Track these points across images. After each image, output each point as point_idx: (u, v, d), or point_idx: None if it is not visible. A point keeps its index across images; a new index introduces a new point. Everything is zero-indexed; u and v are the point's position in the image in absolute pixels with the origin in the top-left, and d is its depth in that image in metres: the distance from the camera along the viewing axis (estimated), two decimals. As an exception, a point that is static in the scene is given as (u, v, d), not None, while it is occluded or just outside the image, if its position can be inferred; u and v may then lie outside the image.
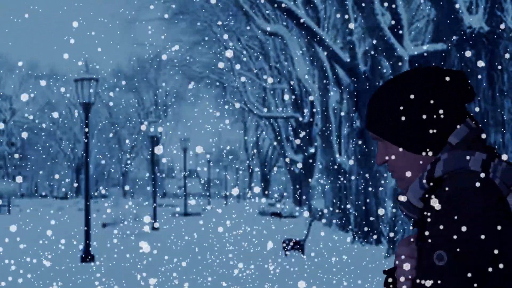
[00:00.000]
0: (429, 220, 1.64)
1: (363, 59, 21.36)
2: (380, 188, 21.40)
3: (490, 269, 1.57)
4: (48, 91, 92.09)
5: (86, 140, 18.28)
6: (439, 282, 1.57)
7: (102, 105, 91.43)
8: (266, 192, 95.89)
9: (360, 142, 21.66)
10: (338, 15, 21.99)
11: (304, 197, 43.64)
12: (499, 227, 1.58)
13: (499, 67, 10.09)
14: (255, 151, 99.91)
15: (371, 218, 21.47)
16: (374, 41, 16.24)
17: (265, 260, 17.40)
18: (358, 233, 21.91)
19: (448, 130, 1.74)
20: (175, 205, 65.00)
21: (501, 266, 1.58)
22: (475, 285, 1.56)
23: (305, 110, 41.63)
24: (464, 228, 1.57)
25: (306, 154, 42.09)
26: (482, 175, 1.64)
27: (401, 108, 1.75)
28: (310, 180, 41.84)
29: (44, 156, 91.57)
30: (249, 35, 44.30)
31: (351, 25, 21.26)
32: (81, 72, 19.10)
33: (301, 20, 19.41)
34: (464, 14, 10.45)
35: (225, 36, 39.55)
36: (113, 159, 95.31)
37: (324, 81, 27.76)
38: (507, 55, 10.06)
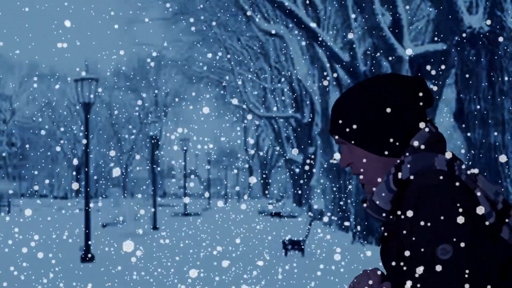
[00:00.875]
0: (408, 221, 1.66)
1: (363, 59, 21.36)
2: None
3: (470, 259, 1.61)
4: (48, 91, 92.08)
5: (86, 141, 18.27)
6: (449, 275, 1.60)
7: (102, 105, 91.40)
8: (267, 192, 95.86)
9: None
10: (337, 17, 22.00)
11: (304, 197, 43.64)
12: (471, 219, 1.63)
13: (499, 67, 10.09)
14: (255, 151, 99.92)
15: (371, 218, 21.48)
16: (375, 41, 16.24)
17: (265, 260, 17.39)
18: (358, 233, 21.91)
19: (409, 133, 1.79)
20: (175, 205, 64.98)
21: (477, 256, 1.62)
22: (480, 271, 1.61)
23: (305, 110, 41.62)
24: (448, 219, 1.61)
25: (306, 154, 42.09)
26: (449, 172, 1.69)
27: (365, 112, 1.79)
28: (310, 180, 41.84)
29: (44, 156, 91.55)
30: (249, 35, 44.29)
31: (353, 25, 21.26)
32: (81, 72, 19.10)
33: (301, 20, 19.41)
34: (464, 14, 10.44)
35: (225, 37, 39.56)
36: (113, 159, 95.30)
37: (324, 81, 27.77)
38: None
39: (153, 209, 31.62)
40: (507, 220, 1.72)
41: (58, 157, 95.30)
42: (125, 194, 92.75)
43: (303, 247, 19.03)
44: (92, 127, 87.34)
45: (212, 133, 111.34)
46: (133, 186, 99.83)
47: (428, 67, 16.32)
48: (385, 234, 1.79)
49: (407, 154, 1.78)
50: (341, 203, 27.97)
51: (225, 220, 40.50)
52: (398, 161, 1.78)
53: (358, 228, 21.87)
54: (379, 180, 1.82)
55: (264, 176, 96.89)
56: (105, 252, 19.88)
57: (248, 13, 24.30)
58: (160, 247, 21.38)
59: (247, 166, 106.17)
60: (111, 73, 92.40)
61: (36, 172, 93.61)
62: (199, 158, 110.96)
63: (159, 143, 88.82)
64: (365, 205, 1.83)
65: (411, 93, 1.81)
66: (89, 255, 17.75)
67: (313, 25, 19.81)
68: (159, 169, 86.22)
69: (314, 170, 40.69)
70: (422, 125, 1.79)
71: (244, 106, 45.12)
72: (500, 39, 10.12)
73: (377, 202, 1.77)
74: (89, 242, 17.96)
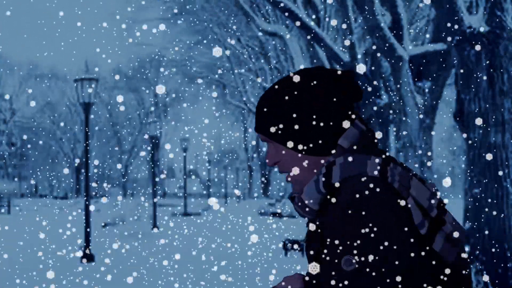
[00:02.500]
0: (330, 226, 1.63)
1: (363, 59, 21.37)
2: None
3: (397, 271, 1.56)
4: (48, 91, 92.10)
5: (86, 141, 18.27)
6: (348, 287, 1.56)
7: (102, 105, 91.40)
8: (267, 192, 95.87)
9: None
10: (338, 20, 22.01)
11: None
12: (402, 230, 1.58)
13: (499, 67, 10.10)
14: (255, 151, 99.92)
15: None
16: (375, 41, 16.24)
17: (265, 260, 17.39)
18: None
19: (337, 131, 1.73)
20: (175, 205, 65.00)
21: (406, 268, 1.57)
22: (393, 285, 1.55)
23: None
24: (368, 233, 1.56)
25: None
26: (381, 180, 1.64)
27: (288, 109, 1.73)
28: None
29: (44, 156, 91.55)
30: (249, 35, 44.30)
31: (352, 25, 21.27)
32: (81, 72, 19.11)
33: (301, 20, 19.41)
34: (464, 14, 10.45)
35: (227, 37, 39.55)
36: (113, 159, 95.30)
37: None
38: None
39: (153, 209, 31.61)
40: (441, 228, 1.67)
41: (58, 157, 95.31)
42: (125, 194, 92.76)
43: (303, 247, 19.03)
44: (92, 127, 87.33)
45: (212, 133, 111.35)
46: (133, 186, 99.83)
47: (428, 67, 16.34)
48: (309, 231, 1.75)
49: (335, 153, 1.72)
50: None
51: (225, 220, 40.51)
52: (328, 160, 1.73)
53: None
54: (308, 179, 1.76)
55: (264, 176, 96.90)
56: (105, 252, 19.88)
57: (248, 12, 24.31)
58: (160, 247, 21.38)
59: (247, 166, 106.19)
60: (111, 73, 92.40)
61: (36, 172, 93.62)
62: (199, 158, 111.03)
63: (159, 143, 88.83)
64: (293, 202, 1.79)
65: (337, 88, 1.74)
66: (89, 255, 17.75)
67: (313, 25, 19.82)
68: (159, 169, 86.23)
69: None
70: (346, 124, 1.72)
71: (244, 106, 45.12)
72: (500, 39, 10.13)
73: (306, 202, 1.73)
74: (89, 242, 17.96)
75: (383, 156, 1.74)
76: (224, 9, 40.76)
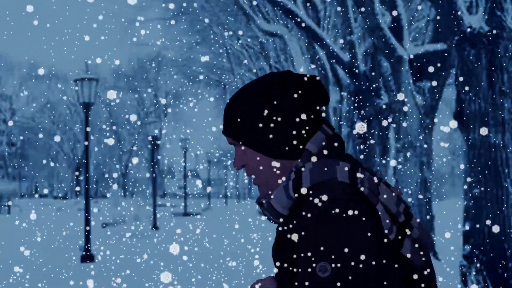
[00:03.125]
0: (303, 232, 1.62)
1: (363, 59, 21.36)
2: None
3: (370, 276, 1.57)
4: (48, 91, 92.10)
5: (86, 141, 18.27)
6: None
7: (102, 105, 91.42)
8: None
9: (360, 142, 21.67)
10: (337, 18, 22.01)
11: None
12: (373, 236, 1.58)
13: (499, 67, 10.10)
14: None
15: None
16: (375, 41, 16.24)
17: (265, 260, 17.39)
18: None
19: (303, 135, 1.72)
20: (175, 205, 65.00)
21: (379, 273, 1.58)
22: None
23: (305, 110, 41.63)
24: (341, 239, 1.56)
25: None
26: (351, 186, 1.64)
27: (255, 112, 1.73)
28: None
29: (44, 156, 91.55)
30: (249, 35, 44.30)
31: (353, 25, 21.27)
32: (81, 72, 19.11)
33: (301, 20, 19.41)
34: (464, 14, 10.45)
35: (227, 34, 39.52)
36: (113, 159, 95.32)
37: (324, 81, 27.77)
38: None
39: (153, 209, 31.61)
40: (409, 233, 1.67)
41: (58, 157, 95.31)
42: (125, 194, 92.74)
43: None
44: (92, 127, 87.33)
45: (212, 133, 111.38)
46: (133, 186, 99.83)
47: (428, 67, 16.34)
48: (278, 236, 1.74)
49: (304, 158, 1.71)
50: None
51: (225, 220, 40.51)
52: (296, 164, 1.72)
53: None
54: (275, 183, 1.75)
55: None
56: (105, 252, 19.88)
57: (248, 12, 24.31)
58: (160, 247, 21.38)
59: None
60: (111, 73, 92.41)
61: (36, 172, 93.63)
62: (199, 158, 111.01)
63: (159, 143, 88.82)
64: (261, 206, 1.78)
65: (304, 92, 1.73)
66: (89, 255, 17.75)
67: (313, 25, 19.82)
68: (159, 169, 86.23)
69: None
70: (313, 128, 1.72)
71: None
72: (500, 39, 10.13)
73: (275, 207, 1.72)
74: (89, 242, 17.96)
75: (351, 162, 1.73)
76: (224, 9, 40.76)
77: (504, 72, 10.11)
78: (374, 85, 20.82)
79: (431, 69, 16.00)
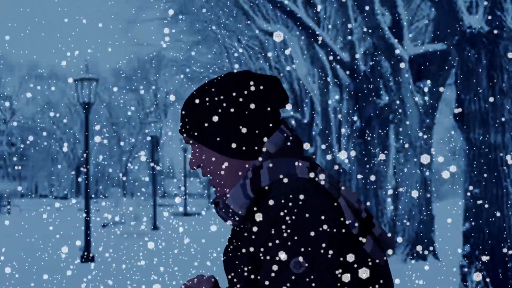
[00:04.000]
0: (266, 230, 1.60)
1: (363, 59, 21.37)
2: (380, 188, 21.41)
3: (338, 267, 1.57)
4: (48, 91, 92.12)
5: (86, 141, 18.27)
6: None
7: (102, 105, 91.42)
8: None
9: (360, 142, 21.67)
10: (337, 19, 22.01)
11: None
12: (338, 229, 1.58)
13: (499, 67, 10.10)
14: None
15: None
16: (375, 41, 16.25)
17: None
18: (358, 233, 21.90)
19: (261, 135, 1.71)
20: (175, 205, 65.00)
21: (345, 265, 1.59)
22: (337, 286, 1.56)
23: (305, 110, 41.66)
24: (307, 233, 1.55)
25: (306, 154, 42.10)
26: (311, 180, 1.63)
27: (212, 111, 1.72)
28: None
29: (44, 156, 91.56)
30: (249, 35, 44.30)
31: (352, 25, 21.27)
32: (81, 72, 19.10)
33: (301, 20, 19.41)
34: (464, 14, 10.45)
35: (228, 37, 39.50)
36: (113, 159, 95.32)
37: (324, 81, 27.77)
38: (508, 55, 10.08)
39: (153, 209, 31.61)
40: (372, 230, 1.67)
41: (58, 157, 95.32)
42: (125, 194, 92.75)
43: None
44: (92, 127, 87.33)
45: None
46: (133, 186, 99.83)
47: (428, 67, 16.34)
48: (233, 238, 1.72)
49: (261, 158, 1.70)
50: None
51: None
52: (253, 164, 1.71)
53: (358, 228, 21.86)
54: (232, 183, 1.73)
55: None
56: (105, 252, 19.88)
57: (248, 12, 24.31)
58: (160, 247, 21.38)
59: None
60: (111, 73, 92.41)
61: (36, 172, 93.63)
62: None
63: (159, 143, 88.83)
64: (216, 207, 1.77)
65: (263, 92, 1.72)
66: (89, 255, 17.75)
67: (313, 25, 19.82)
68: (159, 169, 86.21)
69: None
70: (271, 128, 1.71)
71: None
72: (500, 39, 10.13)
73: (232, 207, 1.70)
74: (89, 242, 17.96)
75: (310, 161, 1.73)
76: (224, 9, 40.76)
77: (504, 72, 10.12)
78: (374, 85, 20.82)
79: (431, 69, 16.01)
